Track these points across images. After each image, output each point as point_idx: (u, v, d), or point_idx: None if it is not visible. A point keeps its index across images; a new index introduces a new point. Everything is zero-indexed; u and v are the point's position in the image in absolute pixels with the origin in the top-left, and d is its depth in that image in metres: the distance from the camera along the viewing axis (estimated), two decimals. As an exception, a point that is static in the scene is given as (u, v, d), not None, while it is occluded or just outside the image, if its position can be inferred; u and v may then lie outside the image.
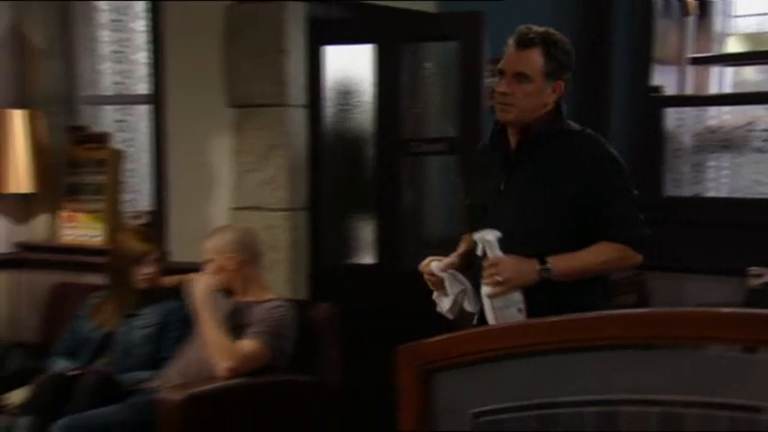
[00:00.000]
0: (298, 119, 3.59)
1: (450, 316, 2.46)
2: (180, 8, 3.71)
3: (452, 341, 1.25)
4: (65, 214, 4.08)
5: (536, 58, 2.37)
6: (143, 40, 4.02)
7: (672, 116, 4.23)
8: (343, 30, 3.81)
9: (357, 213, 4.01)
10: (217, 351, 3.04)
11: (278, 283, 3.39)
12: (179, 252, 3.68)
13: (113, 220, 3.97)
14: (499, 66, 2.42)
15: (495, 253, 2.29)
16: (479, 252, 2.32)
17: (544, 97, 2.39)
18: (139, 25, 4.07)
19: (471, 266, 2.44)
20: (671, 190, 4.23)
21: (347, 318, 3.39)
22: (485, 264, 2.29)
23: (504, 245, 2.29)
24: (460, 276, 2.43)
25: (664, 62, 4.18)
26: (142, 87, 4.07)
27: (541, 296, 2.29)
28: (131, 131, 4.24)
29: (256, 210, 3.58)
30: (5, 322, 3.96)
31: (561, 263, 2.31)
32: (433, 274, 2.43)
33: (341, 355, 3.33)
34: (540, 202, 2.37)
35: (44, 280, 3.98)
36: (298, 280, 3.55)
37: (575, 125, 2.47)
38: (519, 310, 2.28)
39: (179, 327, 3.39)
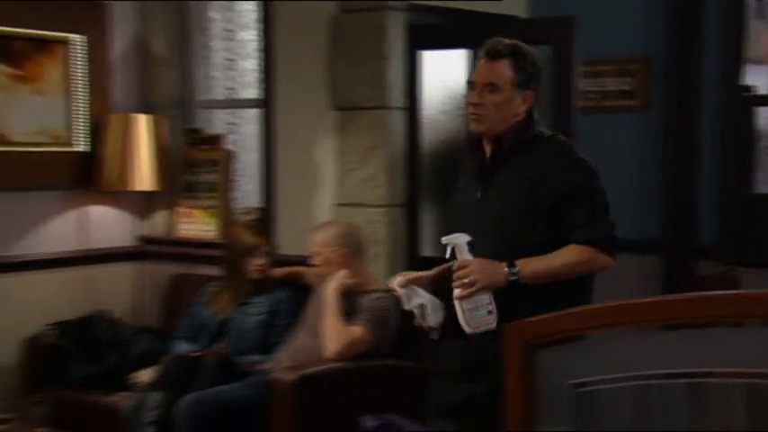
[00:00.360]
0: (397, 121, 3.81)
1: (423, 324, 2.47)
2: (288, 18, 3.98)
3: (555, 320, 1.45)
4: (182, 210, 4.42)
5: (505, 70, 2.43)
6: (252, 49, 4.31)
7: (763, 115, 4.28)
8: (440, 35, 4.01)
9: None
10: (330, 335, 3.29)
11: (378, 275, 3.61)
12: (286, 245, 3.96)
13: (226, 215, 4.29)
14: (470, 77, 2.51)
15: (463, 256, 2.33)
16: (448, 255, 2.36)
17: (514, 107, 2.44)
18: (249, 35, 4.36)
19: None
20: (762, 188, 4.28)
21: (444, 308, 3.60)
22: (453, 267, 2.33)
23: (481, 252, 2.34)
24: (420, 291, 2.45)
25: (755, 62, 4.23)
26: (251, 92, 4.36)
27: (519, 303, 2.24)
28: (240, 133, 4.55)
29: (358, 206, 3.82)
30: (131, 309, 4.32)
31: (529, 266, 2.34)
32: (395, 290, 2.48)
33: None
34: (514, 209, 2.42)
35: (164, 271, 4.33)
36: (397, 272, 3.78)
37: (546, 131, 2.52)
38: (489, 312, 2.31)
39: (288, 315, 3.68)
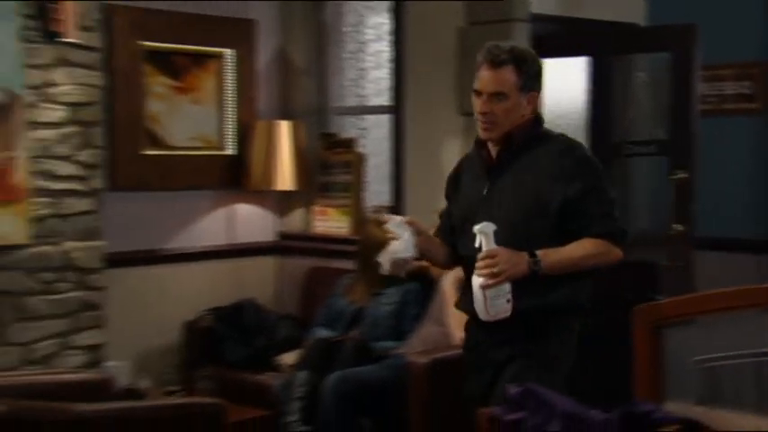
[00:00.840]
0: (520, 125, 4.06)
1: (386, 267, 2.56)
2: (418, 30, 4.29)
3: (680, 303, 1.70)
4: (317, 208, 4.80)
5: (509, 76, 2.46)
6: (384, 59, 4.65)
7: None
8: (560, 44, 4.24)
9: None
10: (455, 324, 3.59)
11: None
12: (415, 241, 4.27)
13: (358, 213, 4.64)
14: (475, 86, 2.51)
15: (491, 245, 2.36)
16: (477, 244, 2.39)
17: (521, 110, 2.49)
18: (381, 46, 4.70)
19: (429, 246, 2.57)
20: None
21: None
22: (479, 255, 2.37)
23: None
24: (406, 229, 2.49)
25: None
26: (382, 99, 4.70)
27: (527, 297, 2.37)
28: (370, 138, 4.89)
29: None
30: (273, 298, 4.74)
31: (548, 257, 2.40)
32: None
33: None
34: (520, 207, 2.46)
35: (301, 264, 4.73)
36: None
37: (552, 131, 2.57)
38: (507, 301, 2.36)
39: (416, 305, 3.98)
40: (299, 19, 4.81)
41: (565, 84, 4.28)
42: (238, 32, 4.58)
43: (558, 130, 4.35)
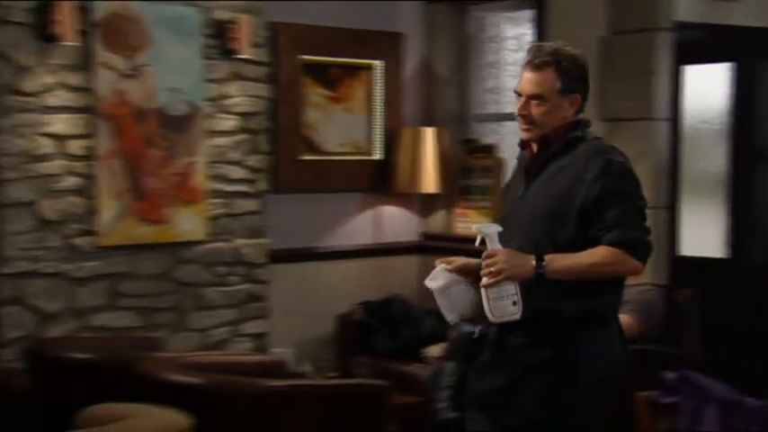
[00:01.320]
0: (661, 130, 4.18)
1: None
2: (560, 40, 4.48)
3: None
4: (458, 211, 5.06)
5: (549, 78, 2.40)
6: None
7: None
8: (703, 51, 4.33)
9: (710, 211, 4.52)
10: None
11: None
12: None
13: (497, 215, 4.87)
14: (516, 88, 2.48)
15: (493, 246, 2.34)
16: (477, 244, 2.38)
17: (562, 112, 2.43)
18: (521, 57, 4.90)
19: None
20: None
21: (705, 302, 3.95)
22: (483, 255, 2.34)
23: (514, 248, 2.36)
24: (448, 275, 2.45)
25: None
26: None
27: (543, 301, 2.32)
28: (506, 144, 5.10)
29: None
30: (417, 294, 5.02)
31: (556, 262, 2.32)
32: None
33: (700, 334, 3.90)
34: (546, 208, 2.41)
35: (443, 262, 4.99)
36: (661, 268, 4.16)
37: (589, 135, 2.48)
38: (513, 303, 2.31)
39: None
40: (443, 31, 5.09)
41: (705, 90, 4.37)
42: (387, 45, 4.90)
43: (698, 135, 4.55)
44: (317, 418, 2.79)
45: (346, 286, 4.85)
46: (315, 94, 4.74)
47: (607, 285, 2.41)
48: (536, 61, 2.43)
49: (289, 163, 4.65)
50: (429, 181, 4.85)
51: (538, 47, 2.49)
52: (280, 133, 4.59)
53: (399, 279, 4.99)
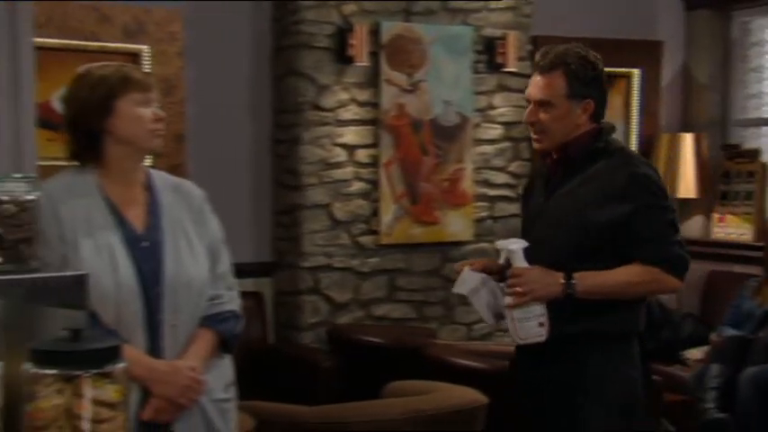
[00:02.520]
0: None
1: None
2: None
3: None
4: (717, 216, 5.05)
5: (557, 83, 2.22)
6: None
7: None
8: None
9: None
10: None
11: None
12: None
13: (761, 221, 4.81)
14: (526, 94, 2.33)
15: (518, 263, 2.19)
16: (502, 260, 2.24)
17: (574, 119, 2.25)
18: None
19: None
20: None
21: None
22: (508, 273, 2.20)
23: (538, 258, 2.20)
24: (476, 276, 2.27)
25: None
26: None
27: (567, 321, 2.15)
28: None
29: None
30: (673, 298, 5.05)
31: (587, 280, 2.17)
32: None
33: None
34: (571, 222, 2.24)
35: (700, 267, 4.98)
36: None
37: (616, 143, 2.33)
38: (540, 324, 2.17)
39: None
40: (705, 37, 5.10)
41: None
42: (646, 53, 5.00)
43: None
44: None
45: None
46: (573, 102, 4.94)
47: (624, 301, 2.26)
48: (543, 64, 2.26)
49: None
50: (687, 186, 4.88)
51: (545, 50, 2.29)
52: (540, 140, 4.84)
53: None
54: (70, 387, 1.44)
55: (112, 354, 1.49)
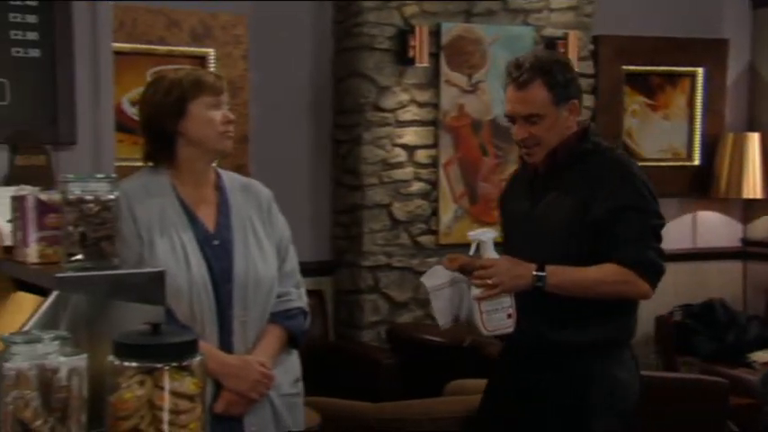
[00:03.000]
0: None
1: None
2: None
3: None
4: (783, 217, 4.96)
5: (540, 93, 2.19)
6: None
7: None
8: None
9: None
10: None
11: None
12: None
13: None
14: (506, 112, 2.27)
15: (488, 254, 2.14)
16: (472, 252, 2.17)
17: (564, 123, 2.22)
18: None
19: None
20: None
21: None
22: (476, 265, 2.14)
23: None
24: (445, 272, 2.19)
25: None
26: None
27: (571, 328, 2.11)
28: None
29: None
30: (737, 300, 4.98)
31: (557, 274, 2.12)
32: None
33: None
34: (562, 225, 2.20)
35: (765, 270, 4.91)
36: None
37: (602, 145, 2.27)
38: (509, 316, 2.13)
39: None
40: (771, 35, 5.01)
41: None
42: (710, 52, 4.93)
43: None
44: (657, 408, 2.98)
45: (661, 289, 4.89)
46: (634, 102, 4.90)
47: (617, 309, 2.21)
48: (520, 79, 2.21)
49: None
50: (752, 186, 4.79)
51: (516, 63, 2.25)
52: (600, 140, 4.80)
53: (718, 284, 4.98)
54: (151, 379, 1.51)
55: (190, 348, 1.55)
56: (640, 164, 4.86)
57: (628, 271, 2.14)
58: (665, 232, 5.27)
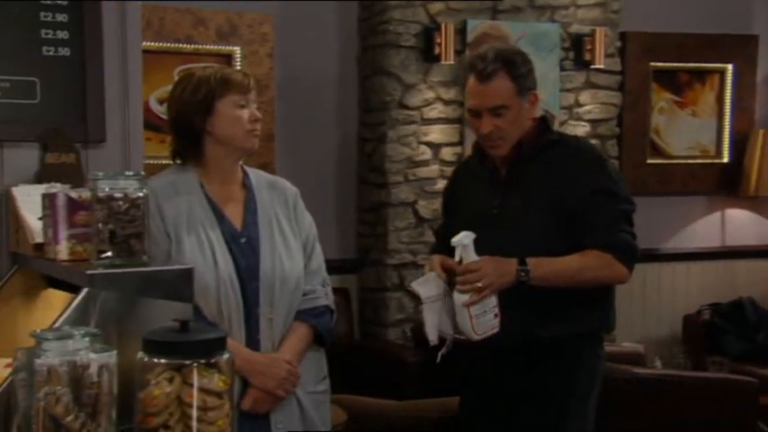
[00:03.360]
0: None
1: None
2: None
3: None
4: (814, 215, 4.89)
5: (504, 85, 2.18)
6: None
7: None
8: None
9: None
10: None
11: None
12: None
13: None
14: (469, 105, 2.23)
15: (470, 257, 2.08)
16: (457, 258, 2.09)
17: (526, 114, 2.22)
18: None
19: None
20: None
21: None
22: (458, 270, 2.07)
23: None
24: (446, 289, 2.11)
25: None
26: None
27: (554, 323, 2.09)
28: None
29: None
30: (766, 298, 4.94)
31: (540, 266, 2.09)
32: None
33: None
34: (538, 222, 2.17)
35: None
36: None
37: (564, 134, 2.28)
38: (495, 315, 2.09)
39: None
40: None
41: None
42: (740, 48, 4.87)
43: None
44: (686, 408, 2.96)
45: (688, 287, 4.90)
46: (662, 99, 4.86)
47: (598, 300, 2.20)
48: (485, 71, 2.20)
49: (635, 166, 4.80)
50: (784, 185, 4.74)
51: (478, 57, 2.24)
52: (627, 138, 4.76)
53: (746, 283, 4.93)
54: (180, 376, 1.52)
55: (219, 345, 1.56)
56: (668, 162, 4.93)
57: (607, 255, 2.13)
58: (693, 230, 5.27)
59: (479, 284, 2.06)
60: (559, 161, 2.20)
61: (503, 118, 2.20)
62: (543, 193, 2.19)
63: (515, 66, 2.21)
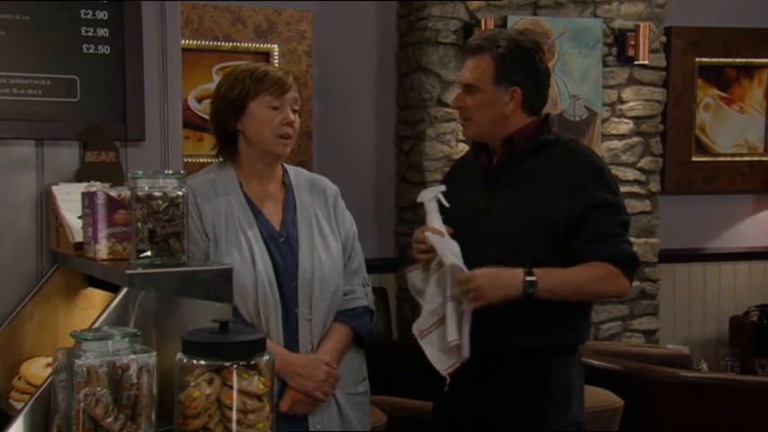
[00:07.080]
0: None
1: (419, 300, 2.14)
2: None
3: None
4: None
5: (483, 66, 2.09)
6: None
7: None
8: None
9: None
10: None
11: None
12: None
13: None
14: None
15: (434, 222, 2.00)
16: (427, 216, 2.05)
17: (500, 107, 2.09)
18: None
19: None
20: None
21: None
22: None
23: (479, 266, 1.98)
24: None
25: None
26: None
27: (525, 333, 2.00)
28: None
29: None
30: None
31: (548, 277, 1.96)
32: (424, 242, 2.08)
33: None
34: (525, 223, 2.07)
35: None
36: None
37: (562, 137, 2.16)
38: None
39: None
40: None
41: None
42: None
43: None
44: (733, 412, 2.88)
45: (734, 288, 4.79)
46: (707, 95, 4.75)
47: (575, 311, 2.09)
48: (470, 46, 2.16)
49: (678, 164, 4.70)
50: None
51: (482, 33, 2.21)
52: (671, 135, 4.66)
53: (796, 284, 4.82)
54: (219, 377, 1.50)
55: (259, 346, 1.54)
56: (714, 159, 4.82)
57: (609, 266, 2.03)
58: (740, 229, 5.15)
59: (473, 295, 1.96)
60: (553, 164, 2.11)
61: (472, 98, 2.13)
62: (531, 193, 2.11)
63: (503, 54, 2.11)
